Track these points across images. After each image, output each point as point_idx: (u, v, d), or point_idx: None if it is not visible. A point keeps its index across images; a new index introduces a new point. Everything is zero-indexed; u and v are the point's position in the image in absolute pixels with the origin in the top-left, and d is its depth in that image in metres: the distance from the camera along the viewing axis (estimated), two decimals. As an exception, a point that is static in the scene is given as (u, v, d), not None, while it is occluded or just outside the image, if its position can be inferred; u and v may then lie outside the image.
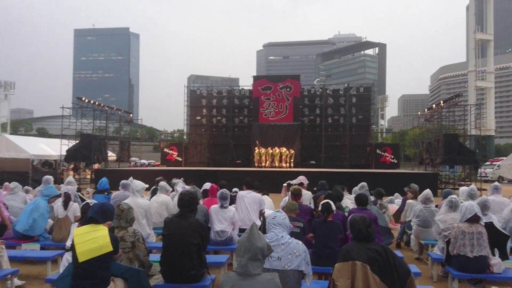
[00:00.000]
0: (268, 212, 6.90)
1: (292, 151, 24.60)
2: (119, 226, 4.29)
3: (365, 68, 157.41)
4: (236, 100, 28.15)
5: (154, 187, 8.95)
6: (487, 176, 30.56)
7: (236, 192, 8.15)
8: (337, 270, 3.31)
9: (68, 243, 5.13)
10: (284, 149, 24.48)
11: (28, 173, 21.28)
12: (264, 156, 24.27)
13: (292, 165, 24.18)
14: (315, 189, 9.12)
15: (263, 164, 24.08)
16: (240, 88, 29.49)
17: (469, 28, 54.11)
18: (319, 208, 5.34)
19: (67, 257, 4.67)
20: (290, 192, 6.59)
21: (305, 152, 26.67)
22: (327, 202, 5.34)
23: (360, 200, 6.31)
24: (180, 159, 27.32)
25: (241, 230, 6.54)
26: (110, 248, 3.46)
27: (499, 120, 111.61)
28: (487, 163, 35.04)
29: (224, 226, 6.29)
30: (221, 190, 6.57)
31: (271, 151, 24.36)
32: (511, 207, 6.79)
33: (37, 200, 6.72)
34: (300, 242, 3.55)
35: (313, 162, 26.19)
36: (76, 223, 5.52)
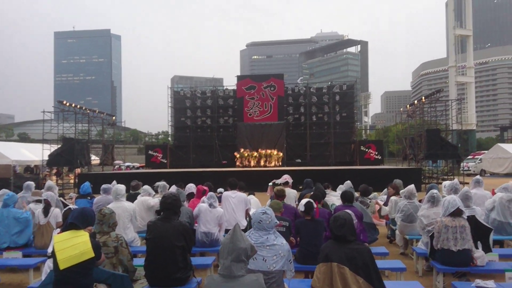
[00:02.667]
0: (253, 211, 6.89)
1: (281, 154, 24.63)
2: (101, 231, 4.22)
3: (348, 66, 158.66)
4: (220, 100, 28.06)
5: (130, 192, 8.68)
6: (470, 170, 31.07)
7: (221, 193, 8.11)
8: (316, 275, 3.33)
9: (50, 250, 5.04)
10: (275, 151, 24.48)
11: (10, 179, 20.89)
12: (247, 157, 24.24)
13: (280, 164, 24.25)
14: (300, 187, 9.15)
15: (246, 164, 24.07)
16: (224, 88, 29.38)
17: (448, 24, 54.86)
18: (302, 209, 5.34)
19: (49, 264, 4.57)
20: (274, 193, 6.58)
21: (290, 151, 26.72)
22: (310, 202, 5.36)
23: (346, 197, 6.34)
24: (165, 161, 27.12)
25: (227, 231, 6.50)
26: (92, 254, 3.39)
27: (480, 114, 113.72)
28: (469, 157, 35.63)
29: (210, 227, 6.25)
30: (210, 193, 6.55)
31: (256, 153, 24.36)
32: (493, 199, 6.89)
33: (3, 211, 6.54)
34: (285, 242, 3.54)
35: (299, 160, 26.28)
36: (58, 229, 5.42)
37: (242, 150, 24.65)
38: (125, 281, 3.75)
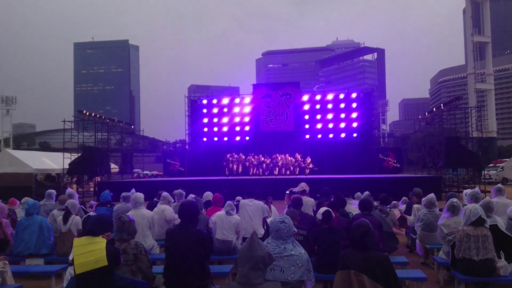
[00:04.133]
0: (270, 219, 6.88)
1: (309, 160, 23.95)
2: (120, 239, 4.26)
3: (365, 74, 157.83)
4: (236, 109, 28.17)
5: (155, 199, 8.87)
6: (491, 178, 30.43)
7: (239, 201, 8.13)
8: (336, 282, 3.31)
9: (71, 257, 5.11)
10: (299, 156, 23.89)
11: (31, 187, 21.30)
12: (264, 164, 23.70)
13: (312, 166, 23.52)
14: (318, 195, 9.10)
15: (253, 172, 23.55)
16: (241, 96, 29.49)
17: (466, 31, 54.28)
18: (320, 218, 5.32)
19: (70, 271, 4.64)
20: (291, 201, 6.57)
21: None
22: (328, 211, 5.33)
23: (364, 206, 6.28)
24: (183, 169, 27.30)
25: (245, 239, 6.51)
26: (105, 263, 3.43)
27: (501, 121, 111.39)
28: (491, 165, 34.91)
29: (227, 235, 6.26)
30: (228, 201, 6.57)
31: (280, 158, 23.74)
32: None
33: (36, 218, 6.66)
34: (303, 252, 3.52)
35: (316, 168, 26.10)
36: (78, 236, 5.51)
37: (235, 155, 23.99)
38: (144, 288, 3.78)
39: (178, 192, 8.35)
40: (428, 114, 24.86)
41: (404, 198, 10.74)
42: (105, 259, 3.43)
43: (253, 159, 23.78)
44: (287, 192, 9.21)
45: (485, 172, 26.48)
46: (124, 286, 3.69)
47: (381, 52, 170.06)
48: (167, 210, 7.33)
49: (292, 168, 23.76)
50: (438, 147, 21.58)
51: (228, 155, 23.90)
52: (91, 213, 7.21)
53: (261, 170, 23.93)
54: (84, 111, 23.13)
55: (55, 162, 24.65)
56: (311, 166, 23.46)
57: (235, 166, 23.60)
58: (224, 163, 23.78)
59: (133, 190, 8.21)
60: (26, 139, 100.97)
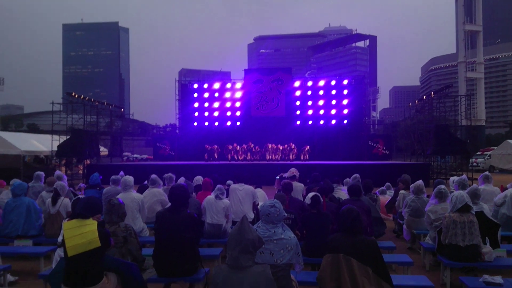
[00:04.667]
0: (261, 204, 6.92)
1: (307, 147, 23.62)
2: (110, 221, 4.26)
3: (356, 61, 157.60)
4: (227, 94, 28.02)
5: (145, 183, 8.88)
6: (479, 166, 30.87)
7: (229, 185, 8.15)
8: (323, 265, 3.35)
9: (60, 239, 5.11)
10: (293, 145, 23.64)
11: (20, 169, 21.11)
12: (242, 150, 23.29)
13: (307, 158, 23.35)
14: (308, 181, 9.16)
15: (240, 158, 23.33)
16: (232, 81, 29.31)
17: (458, 19, 54.41)
18: (309, 202, 5.36)
19: (59, 252, 4.65)
20: (281, 186, 6.60)
21: (298, 145, 26.62)
22: (317, 195, 5.37)
23: (353, 191, 6.33)
24: (173, 153, 27.23)
25: (234, 223, 6.55)
26: (98, 244, 3.44)
27: (490, 110, 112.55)
28: (478, 153, 35.37)
29: (217, 219, 6.29)
30: (218, 185, 6.58)
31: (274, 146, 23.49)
32: (504, 194, 6.86)
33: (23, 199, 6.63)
34: (292, 235, 3.55)
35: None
36: (68, 219, 5.49)
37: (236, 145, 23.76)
38: (134, 270, 3.79)
39: (168, 176, 8.34)
40: (418, 101, 25.02)
41: (387, 184, 10.88)
42: (98, 240, 3.43)
43: (239, 147, 23.48)
44: (277, 177, 9.27)
45: (473, 160, 26.83)
46: (115, 268, 3.71)
47: (373, 39, 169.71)
48: (161, 194, 7.35)
49: (282, 155, 23.46)
50: (427, 134, 21.77)
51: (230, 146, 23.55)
52: (80, 195, 7.18)
53: (249, 154, 23.62)
54: (73, 93, 22.85)
55: (43, 144, 24.38)
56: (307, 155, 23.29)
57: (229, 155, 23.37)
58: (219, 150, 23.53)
59: (122, 172, 8.18)
60: (13, 120, 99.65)
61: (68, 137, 22.26)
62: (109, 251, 3.81)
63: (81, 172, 23.81)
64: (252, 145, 23.48)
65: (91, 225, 3.55)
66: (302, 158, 22.98)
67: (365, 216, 5.95)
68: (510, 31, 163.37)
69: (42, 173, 8.66)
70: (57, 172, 8.47)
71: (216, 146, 23.46)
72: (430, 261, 6.06)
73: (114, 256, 3.96)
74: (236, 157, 23.15)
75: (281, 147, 23.32)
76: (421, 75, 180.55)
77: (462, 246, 4.89)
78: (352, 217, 3.42)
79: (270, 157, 23.13)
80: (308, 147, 23.53)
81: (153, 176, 7.69)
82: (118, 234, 4.20)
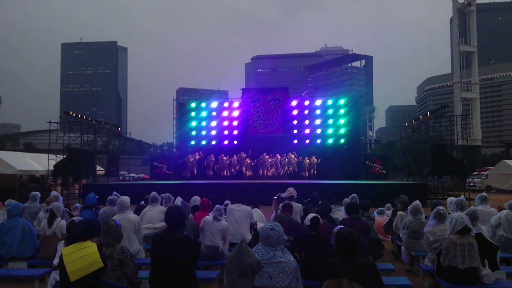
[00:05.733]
0: (260, 225, 6.87)
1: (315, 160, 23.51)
2: (107, 243, 4.21)
3: (352, 80, 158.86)
4: (225, 113, 28.11)
5: (141, 203, 8.80)
6: (476, 186, 30.86)
7: (227, 205, 8.09)
8: None
9: (55, 261, 5.03)
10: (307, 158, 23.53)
11: (15, 189, 20.94)
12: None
13: (315, 173, 23.13)
14: (305, 201, 9.12)
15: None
16: (229, 100, 29.43)
17: (453, 40, 55.14)
18: (308, 223, 5.33)
19: (54, 275, 4.57)
20: (281, 206, 6.57)
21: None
22: (316, 217, 5.34)
23: (352, 209, 6.29)
24: (170, 172, 27.13)
25: (232, 245, 6.48)
26: (101, 264, 3.38)
27: (485, 130, 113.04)
28: (475, 173, 35.42)
29: (215, 241, 6.23)
30: (216, 206, 6.54)
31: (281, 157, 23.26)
32: (499, 216, 6.85)
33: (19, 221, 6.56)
34: (292, 259, 3.51)
35: (303, 173, 26.14)
36: (63, 241, 5.42)
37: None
38: (129, 294, 3.74)
39: (166, 196, 8.28)
40: (414, 121, 25.16)
41: (388, 204, 10.84)
42: (100, 261, 3.37)
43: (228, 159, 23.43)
44: (275, 197, 9.21)
45: (470, 179, 26.83)
46: (110, 292, 3.64)
47: (369, 59, 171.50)
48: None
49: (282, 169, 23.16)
50: (423, 154, 21.83)
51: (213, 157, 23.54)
52: (75, 217, 7.11)
53: (244, 168, 23.44)
54: (70, 112, 22.87)
55: (39, 163, 24.26)
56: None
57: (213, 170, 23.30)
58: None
59: (114, 192, 8.12)
60: (10, 139, 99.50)
61: (64, 156, 22.18)
62: (104, 275, 3.75)
63: (77, 191, 23.64)
64: (244, 155, 23.27)
65: (90, 247, 3.49)
66: (311, 173, 22.78)
67: (364, 236, 5.92)
68: (504, 51, 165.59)
69: (38, 193, 8.58)
70: (53, 193, 8.41)
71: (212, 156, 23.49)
72: (429, 284, 6.00)
73: (110, 279, 3.90)
74: (226, 172, 23.12)
75: (279, 157, 23.20)
76: (417, 95, 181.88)
77: (461, 268, 4.85)
78: (353, 241, 3.39)
79: (265, 172, 23.01)
80: (316, 159, 23.30)
81: (153, 193, 7.69)
82: (114, 256, 4.14)
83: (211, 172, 24.53)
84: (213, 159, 23.65)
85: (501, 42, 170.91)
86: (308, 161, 23.08)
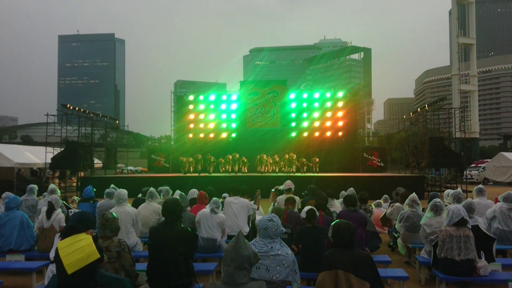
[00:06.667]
0: (259, 218, 6.88)
1: (317, 159, 22.88)
2: (103, 236, 4.21)
3: (351, 73, 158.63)
4: (223, 105, 28.06)
5: (139, 196, 8.79)
6: (473, 178, 30.95)
7: (225, 197, 8.10)
8: (319, 283, 3.30)
9: (52, 254, 5.04)
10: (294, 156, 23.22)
11: (13, 181, 20.92)
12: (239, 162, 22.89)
13: (317, 170, 22.89)
14: (303, 193, 9.13)
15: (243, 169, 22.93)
16: (228, 93, 29.35)
17: (452, 32, 55.04)
18: (304, 216, 5.34)
19: (52, 268, 4.57)
20: (284, 200, 6.60)
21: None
22: (312, 209, 5.35)
23: (349, 202, 6.31)
24: (168, 165, 27.11)
25: (230, 237, 6.50)
26: (97, 256, 3.39)
27: (483, 122, 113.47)
28: (472, 165, 35.50)
29: (212, 233, 6.24)
30: (213, 198, 6.54)
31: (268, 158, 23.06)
32: (493, 209, 6.87)
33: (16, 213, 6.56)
34: (290, 252, 3.52)
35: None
36: (60, 237, 5.41)
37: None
38: (127, 285, 3.74)
39: (164, 189, 8.30)
40: (412, 114, 25.16)
41: (385, 196, 10.86)
42: (97, 252, 3.39)
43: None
44: (273, 190, 9.22)
45: (467, 172, 26.91)
46: (107, 283, 3.65)
47: (367, 51, 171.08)
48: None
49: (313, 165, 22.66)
50: (421, 146, 21.85)
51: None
52: (73, 211, 7.12)
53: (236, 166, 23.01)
54: (68, 105, 22.78)
55: (37, 156, 24.20)
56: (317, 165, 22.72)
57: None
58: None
59: (112, 185, 8.12)
60: (7, 132, 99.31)
61: (62, 149, 22.13)
62: (102, 267, 3.76)
63: (74, 184, 23.63)
64: (237, 155, 22.86)
65: (86, 239, 3.50)
66: (313, 170, 22.43)
67: (361, 228, 5.94)
68: (503, 44, 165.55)
69: (35, 186, 8.58)
70: (52, 186, 8.40)
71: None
72: (425, 275, 6.04)
73: (107, 271, 3.91)
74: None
75: (277, 159, 22.99)
76: (415, 88, 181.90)
77: (457, 260, 4.88)
78: (350, 233, 3.40)
79: (263, 168, 22.78)
80: (317, 159, 22.97)
81: (152, 189, 7.66)
82: (112, 249, 4.15)
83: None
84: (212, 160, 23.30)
85: (500, 34, 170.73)
86: (309, 163, 22.71)
